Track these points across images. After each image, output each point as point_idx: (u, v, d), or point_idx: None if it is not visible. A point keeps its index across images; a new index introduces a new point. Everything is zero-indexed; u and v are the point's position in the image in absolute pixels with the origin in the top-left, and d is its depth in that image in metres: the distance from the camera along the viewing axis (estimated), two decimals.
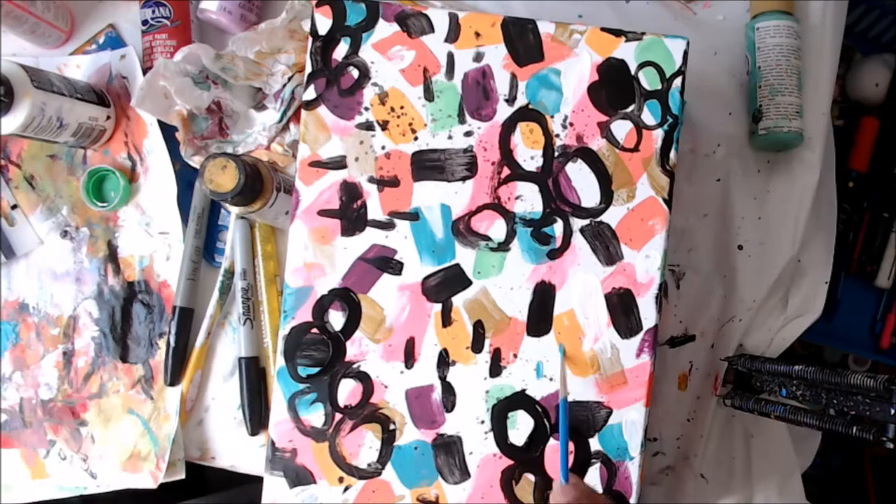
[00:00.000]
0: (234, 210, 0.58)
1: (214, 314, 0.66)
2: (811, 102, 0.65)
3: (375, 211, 0.54)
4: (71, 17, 0.71)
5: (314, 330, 0.54)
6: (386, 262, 0.54)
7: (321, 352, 0.54)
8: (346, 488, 0.53)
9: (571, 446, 0.52)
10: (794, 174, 0.66)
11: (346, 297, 0.54)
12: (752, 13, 0.66)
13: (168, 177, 0.67)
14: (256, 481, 0.59)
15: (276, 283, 0.65)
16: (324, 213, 0.55)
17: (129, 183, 0.68)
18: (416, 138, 0.54)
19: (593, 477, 0.52)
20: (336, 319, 0.54)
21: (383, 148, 0.55)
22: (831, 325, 0.80)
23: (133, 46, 0.69)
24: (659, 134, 0.54)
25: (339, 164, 0.55)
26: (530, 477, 0.53)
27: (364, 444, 0.53)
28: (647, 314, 0.53)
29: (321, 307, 0.54)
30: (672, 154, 0.54)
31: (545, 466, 0.53)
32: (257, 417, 0.64)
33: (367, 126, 0.55)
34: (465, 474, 0.53)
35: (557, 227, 0.54)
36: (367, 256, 0.54)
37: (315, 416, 0.54)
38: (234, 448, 0.66)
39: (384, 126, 0.55)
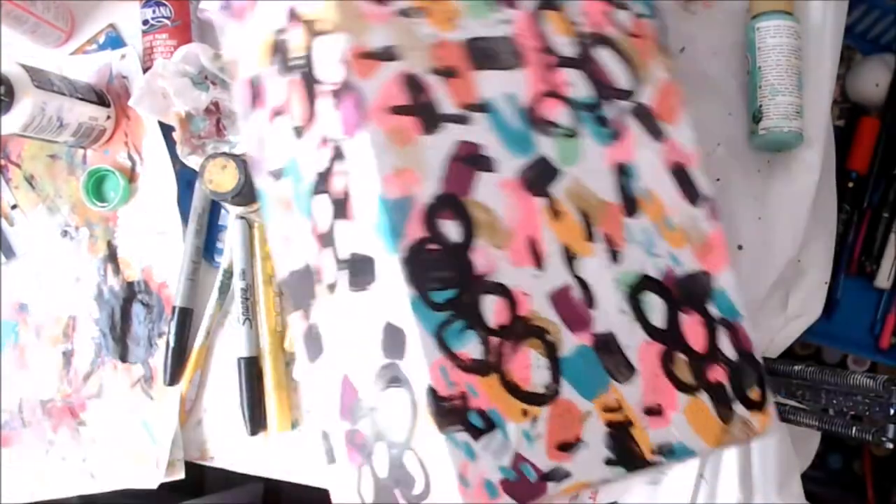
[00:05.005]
0: (235, 210, 0.58)
1: (214, 314, 0.66)
2: (811, 102, 0.65)
3: (445, 105, 0.48)
4: (71, 17, 0.71)
5: (433, 245, 0.45)
6: (476, 160, 0.48)
7: (449, 270, 0.45)
8: (534, 420, 0.44)
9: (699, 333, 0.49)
10: (794, 174, 0.66)
11: (453, 204, 0.46)
12: (752, 13, 0.66)
13: (168, 177, 0.67)
14: (256, 481, 0.59)
15: (273, 283, 0.65)
16: (399, 109, 0.46)
17: (129, 183, 0.68)
18: (458, 26, 0.49)
19: (724, 346, 0.48)
20: (450, 230, 0.46)
21: (432, 36, 0.48)
22: (831, 325, 0.80)
23: (133, 46, 0.69)
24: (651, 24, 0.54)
25: (390, 54, 0.47)
26: (682, 356, 0.49)
27: (532, 365, 0.45)
28: (702, 183, 0.53)
29: (430, 218, 0.45)
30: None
31: (688, 341, 0.49)
32: (257, 417, 0.64)
33: (406, 13, 0.48)
34: (630, 369, 0.48)
35: (610, 109, 0.52)
36: (456, 155, 0.47)
37: (470, 347, 0.44)
38: (233, 448, 0.66)
39: (425, 13, 0.49)
